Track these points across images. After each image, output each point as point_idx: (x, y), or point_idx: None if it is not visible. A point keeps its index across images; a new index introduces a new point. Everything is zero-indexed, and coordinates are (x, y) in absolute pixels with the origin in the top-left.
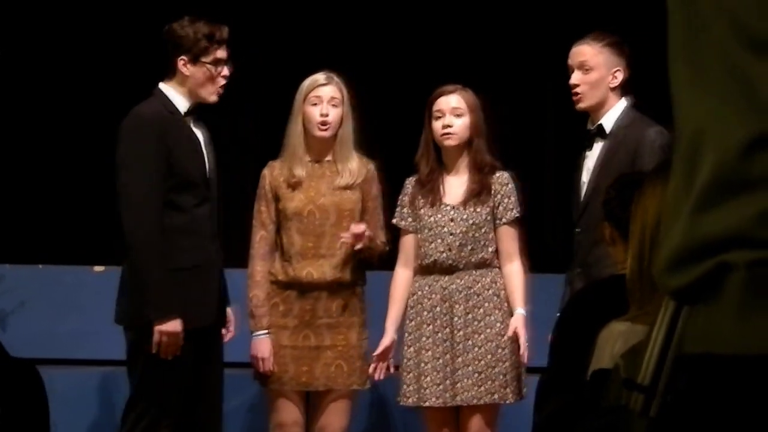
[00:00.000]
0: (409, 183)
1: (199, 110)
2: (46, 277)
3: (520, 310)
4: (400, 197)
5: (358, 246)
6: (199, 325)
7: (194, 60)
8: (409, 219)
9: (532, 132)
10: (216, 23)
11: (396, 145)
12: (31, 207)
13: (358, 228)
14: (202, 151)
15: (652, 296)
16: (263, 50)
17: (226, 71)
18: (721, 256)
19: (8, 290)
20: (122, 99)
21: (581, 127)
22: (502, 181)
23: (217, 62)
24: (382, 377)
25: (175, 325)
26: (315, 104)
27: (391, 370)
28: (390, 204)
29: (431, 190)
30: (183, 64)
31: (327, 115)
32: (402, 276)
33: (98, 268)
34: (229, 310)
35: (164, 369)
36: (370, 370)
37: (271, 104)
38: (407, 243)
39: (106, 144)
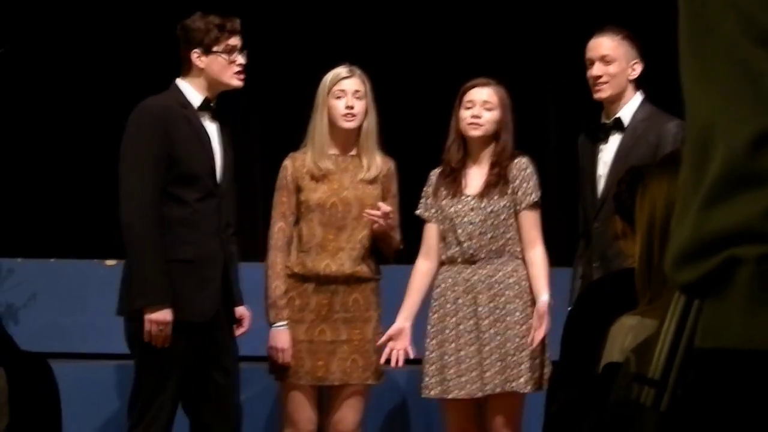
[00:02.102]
0: (433, 175)
1: (218, 105)
2: (58, 270)
3: (544, 297)
4: (424, 189)
5: (377, 226)
6: (195, 320)
7: (207, 51)
8: (432, 210)
9: (534, 125)
10: (228, 16)
11: (409, 141)
12: (44, 201)
13: (386, 207)
14: (210, 145)
15: (661, 290)
16: (276, 44)
17: (241, 59)
18: (730, 250)
19: (20, 284)
20: (136, 93)
21: (583, 121)
22: (521, 166)
23: (229, 50)
24: (398, 364)
25: (164, 315)
26: (339, 97)
27: (410, 355)
28: (402, 201)
29: (453, 181)
30: (197, 57)
31: (352, 108)
32: (422, 267)
33: (110, 262)
34: (242, 307)
35: (159, 362)
36: (383, 358)
37: (285, 98)
38: (430, 234)
39: (118, 138)
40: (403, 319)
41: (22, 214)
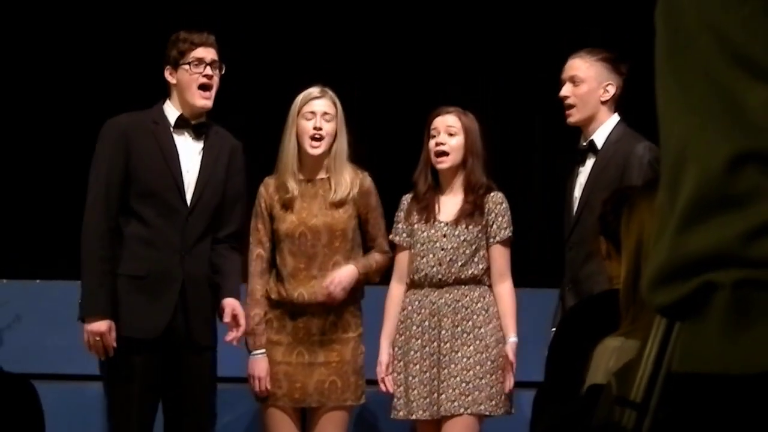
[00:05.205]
0: (405, 200)
1: (206, 123)
2: (42, 292)
3: (512, 338)
4: (396, 213)
5: (339, 298)
6: (141, 336)
7: (175, 65)
8: (404, 235)
9: (521, 146)
10: (199, 30)
11: (391, 158)
12: (28, 222)
13: (327, 286)
14: (176, 162)
15: (644, 311)
16: (257, 63)
17: (208, 71)
18: (706, 275)
19: (4, 305)
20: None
21: (570, 140)
22: (496, 200)
23: (194, 62)
24: (392, 389)
25: (99, 326)
26: (308, 119)
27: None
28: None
29: (426, 207)
30: (169, 74)
31: (320, 129)
32: (396, 291)
33: None
34: (231, 300)
35: (119, 378)
36: (383, 388)
37: (263, 119)
38: (402, 259)
39: None
40: (388, 346)
41: (5, 236)
